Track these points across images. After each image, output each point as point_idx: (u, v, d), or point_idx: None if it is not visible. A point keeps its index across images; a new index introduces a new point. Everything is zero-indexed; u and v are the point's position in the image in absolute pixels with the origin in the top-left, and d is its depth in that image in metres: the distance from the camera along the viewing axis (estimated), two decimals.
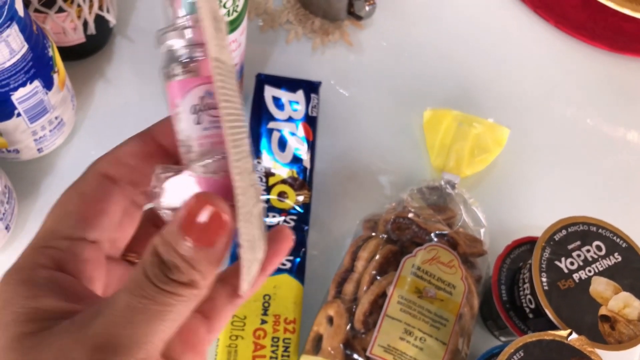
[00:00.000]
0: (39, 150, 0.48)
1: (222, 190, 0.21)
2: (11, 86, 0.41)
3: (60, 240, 0.23)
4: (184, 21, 0.23)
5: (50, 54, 0.44)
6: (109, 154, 0.26)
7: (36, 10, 0.47)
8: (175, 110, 0.23)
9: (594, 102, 0.62)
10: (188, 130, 0.22)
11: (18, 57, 0.40)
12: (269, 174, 0.50)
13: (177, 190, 0.21)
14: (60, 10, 0.47)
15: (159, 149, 0.25)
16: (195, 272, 0.19)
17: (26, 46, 0.40)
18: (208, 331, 0.24)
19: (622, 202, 0.57)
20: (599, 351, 0.37)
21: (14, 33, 0.38)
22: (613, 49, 0.66)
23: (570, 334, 0.37)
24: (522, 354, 0.36)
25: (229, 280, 0.24)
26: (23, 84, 0.41)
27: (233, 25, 0.42)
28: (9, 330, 0.20)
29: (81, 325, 0.19)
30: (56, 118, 0.47)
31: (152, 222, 0.27)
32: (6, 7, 0.36)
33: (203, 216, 0.19)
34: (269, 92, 0.53)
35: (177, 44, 0.23)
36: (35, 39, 0.41)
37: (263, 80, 0.54)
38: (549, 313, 0.39)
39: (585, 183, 0.57)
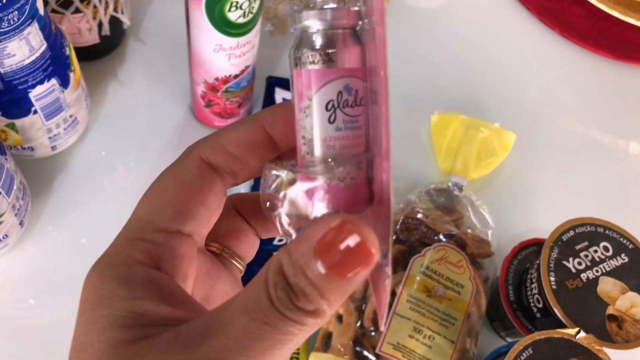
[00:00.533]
0: (53, 148, 0.49)
1: (345, 201, 0.19)
2: (29, 83, 0.41)
3: (156, 233, 0.20)
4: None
5: (67, 53, 0.44)
6: (211, 138, 0.22)
7: (53, 11, 0.47)
8: (304, 103, 0.19)
9: (598, 109, 0.63)
10: (317, 128, 0.19)
11: (37, 55, 0.40)
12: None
13: (300, 197, 0.19)
14: (77, 10, 0.48)
15: (266, 140, 0.22)
16: (323, 302, 0.17)
17: (45, 44, 0.41)
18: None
19: (627, 205, 0.58)
20: (607, 350, 0.37)
21: (34, 31, 0.39)
22: (617, 57, 0.67)
23: (578, 332, 0.37)
24: (530, 351, 0.37)
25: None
26: (41, 82, 0.42)
27: (248, 26, 0.43)
28: (106, 335, 0.18)
29: (188, 343, 0.17)
30: (71, 116, 0.48)
31: (231, 204, 0.25)
32: (28, 5, 0.37)
33: (346, 244, 0.16)
34: (280, 94, 0.54)
35: (316, 25, 0.19)
36: (53, 38, 0.42)
37: (274, 82, 0.55)
38: (558, 312, 0.39)
39: (589, 188, 0.58)
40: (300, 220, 0.19)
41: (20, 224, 0.45)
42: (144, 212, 0.21)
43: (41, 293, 0.47)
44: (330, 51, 0.19)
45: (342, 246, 0.16)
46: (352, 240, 0.16)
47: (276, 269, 0.17)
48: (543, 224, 0.48)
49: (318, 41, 0.19)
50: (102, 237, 0.48)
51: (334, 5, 0.19)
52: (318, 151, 0.19)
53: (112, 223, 0.49)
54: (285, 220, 0.19)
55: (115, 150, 0.53)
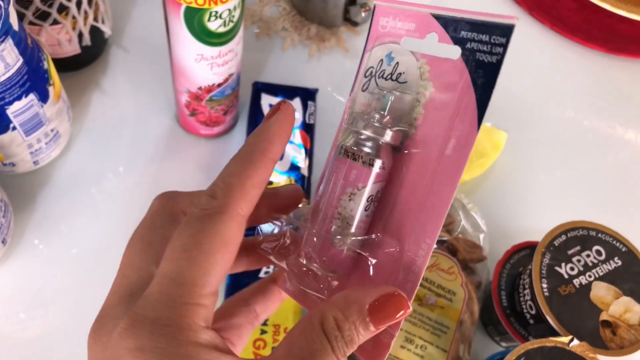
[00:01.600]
0: (35, 162, 0.48)
1: (348, 265, 0.25)
2: (6, 100, 0.40)
3: (209, 297, 0.21)
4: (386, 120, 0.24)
5: (46, 66, 0.43)
6: (240, 189, 0.22)
7: (31, 23, 0.46)
8: (352, 190, 0.24)
9: (591, 104, 0.63)
10: (358, 212, 0.24)
11: (13, 71, 0.39)
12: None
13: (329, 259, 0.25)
14: (55, 22, 0.47)
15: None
16: (354, 348, 0.21)
17: (21, 60, 0.40)
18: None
19: (622, 203, 0.57)
20: (601, 357, 0.37)
21: (8, 47, 0.38)
22: (609, 50, 0.66)
23: (571, 340, 0.37)
24: None
25: (251, 304, 0.27)
26: (18, 98, 0.41)
27: (229, 35, 0.42)
28: None
29: None
30: (52, 130, 0.47)
31: None
32: (0, 21, 0.36)
33: (394, 311, 0.21)
34: (266, 100, 0.53)
35: (384, 138, 0.24)
36: (30, 52, 0.41)
37: (260, 88, 0.54)
38: (550, 319, 0.39)
39: (584, 185, 0.57)
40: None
41: (3, 242, 0.45)
42: (195, 275, 0.20)
43: (32, 306, 0.47)
44: (384, 161, 0.24)
45: (396, 313, 0.22)
46: (400, 311, 0.22)
47: (334, 325, 0.21)
48: (537, 226, 0.47)
49: (375, 149, 0.24)
50: (94, 246, 0.48)
51: (398, 129, 0.24)
52: (353, 228, 0.24)
53: (103, 232, 0.49)
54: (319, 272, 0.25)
55: (102, 160, 0.52)
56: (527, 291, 0.42)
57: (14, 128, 0.43)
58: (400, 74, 0.25)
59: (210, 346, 0.20)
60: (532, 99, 0.62)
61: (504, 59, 0.22)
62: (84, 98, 0.54)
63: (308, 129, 0.53)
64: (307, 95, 0.54)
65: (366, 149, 0.24)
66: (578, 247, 0.41)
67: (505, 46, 0.22)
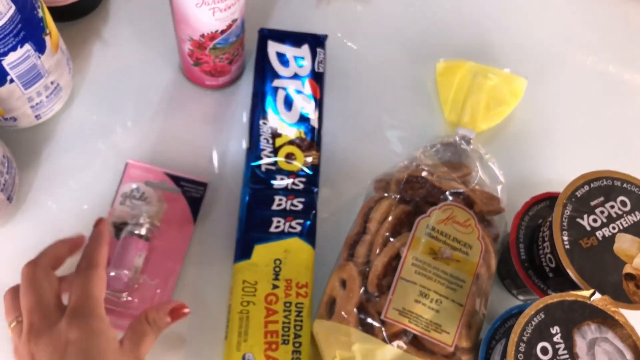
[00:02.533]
0: (37, 117, 0.46)
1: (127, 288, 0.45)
2: (0, 51, 0.39)
3: None
4: None
5: (40, 15, 0.41)
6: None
7: None
8: (139, 253, 0.46)
9: (615, 49, 0.59)
10: (138, 263, 0.45)
11: (5, 19, 0.37)
12: (275, 135, 0.48)
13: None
14: None
15: None
16: (157, 325, 0.39)
17: (13, 7, 0.38)
18: None
19: None
20: (624, 311, 0.36)
21: None
22: None
23: (593, 294, 0.35)
24: (542, 316, 0.35)
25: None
26: (13, 48, 0.39)
27: None
28: None
29: None
30: (52, 83, 0.45)
31: None
32: None
33: (181, 312, 0.40)
34: (273, 47, 0.51)
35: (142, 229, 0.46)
36: None
37: (266, 35, 0.51)
38: (571, 273, 0.37)
39: (607, 134, 0.55)
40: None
41: (9, 199, 0.44)
42: None
43: None
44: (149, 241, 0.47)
45: (183, 313, 0.40)
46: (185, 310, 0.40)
47: (151, 318, 0.39)
48: (558, 176, 0.45)
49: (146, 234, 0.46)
50: (106, 199, 0.47)
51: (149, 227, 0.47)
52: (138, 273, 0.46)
53: (112, 187, 0.47)
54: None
55: (107, 113, 0.51)
56: (546, 244, 0.40)
57: (12, 80, 0.41)
58: (145, 196, 0.47)
59: None
60: (553, 44, 0.58)
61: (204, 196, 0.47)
62: (84, 49, 0.52)
63: (317, 77, 0.50)
64: (316, 42, 0.52)
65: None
66: (602, 198, 0.39)
67: (205, 189, 0.48)
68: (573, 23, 0.60)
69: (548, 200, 0.45)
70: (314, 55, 0.51)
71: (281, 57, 0.50)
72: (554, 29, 0.59)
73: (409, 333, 0.40)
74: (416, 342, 0.40)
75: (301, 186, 0.47)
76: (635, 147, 0.54)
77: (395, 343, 0.39)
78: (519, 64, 0.54)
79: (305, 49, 0.51)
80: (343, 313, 0.41)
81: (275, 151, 0.47)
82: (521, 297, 0.46)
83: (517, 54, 0.57)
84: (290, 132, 0.48)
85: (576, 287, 0.37)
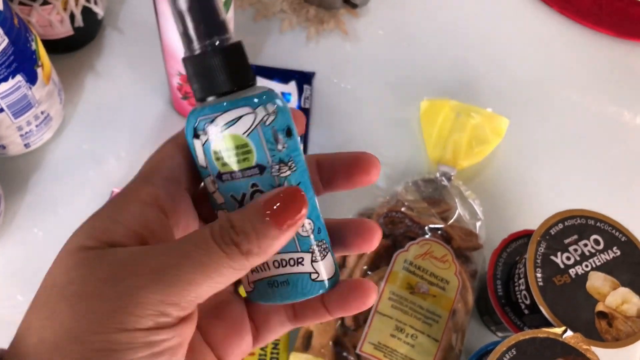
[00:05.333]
0: (26, 145, 0.47)
1: None
2: None
3: (161, 180, 0.23)
4: None
5: (34, 47, 0.43)
6: None
7: (21, 3, 0.46)
8: None
9: (598, 90, 0.61)
10: None
11: None
12: None
13: None
14: (46, 2, 0.46)
15: None
16: (256, 245, 0.21)
17: (6, 40, 0.39)
18: (255, 340, 0.26)
19: (626, 192, 0.55)
20: (596, 349, 0.36)
21: None
22: (619, 34, 0.64)
23: (565, 331, 0.36)
24: (514, 353, 0.35)
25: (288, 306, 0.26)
26: (5, 79, 0.41)
27: None
28: (71, 240, 0.22)
29: (134, 254, 0.21)
30: (42, 113, 0.46)
31: None
32: None
33: (285, 196, 0.22)
34: (261, 83, 0.52)
35: None
36: (16, 32, 0.40)
37: (255, 72, 0.53)
38: (544, 310, 0.37)
39: (587, 174, 0.56)
40: None
41: None
42: (150, 163, 0.24)
43: (29, 289, 0.46)
44: None
45: (282, 195, 0.22)
46: (294, 200, 0.22)
47: (225, 217, 0.21)
48: (537, 215, 0.46)
49: None
50: None
51: None
52: None
53: None
54: None
55: (96, 144, 0.52)
56: (522, 280, 0.41)
57: (2, 110, 0.42)
58: None
59: (130, 213, 0.23)
60: (537, 84, 0.60)
61: None
62: (77, 81, 0.54)
63: (303, 113, 0.52)
64: (303, 78, 0.53)
65: None
66: (575, 236, 0.40)
67: None
68: (558, 63, 0.62)
69: (525, 237, 0.45)
70: (300, 91, 0.52)
71: None
72: (538, 70, 0.61)
73: None
74: None
75: None
76: (615, 188, 0.55)
77: None
78: (501, 104, 0.56)
79: (292, 85, 0.52)
80: (319, 346, 0.41)
81: None
82: (499, 334, 0.46)
83: (500, 94, 0.58)
84: None
85: (549, 324, 0.38)
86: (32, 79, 0.43)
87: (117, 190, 0.48)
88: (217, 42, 0.23)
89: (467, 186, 0.50)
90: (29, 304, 0.43)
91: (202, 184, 0.25)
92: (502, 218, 0.51)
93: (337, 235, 0.26)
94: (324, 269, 0.24)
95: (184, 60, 0.23)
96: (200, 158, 0.23)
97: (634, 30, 0.64)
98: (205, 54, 0.23)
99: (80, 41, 0.54)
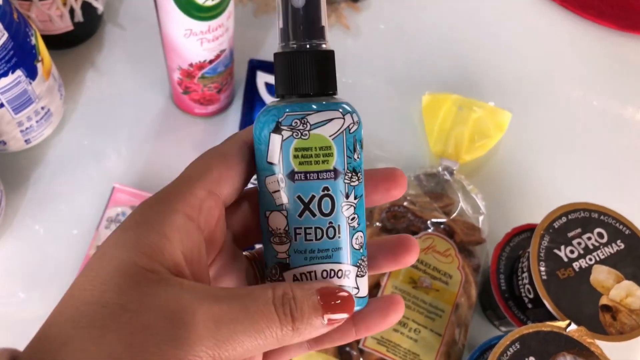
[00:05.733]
0: (27, 141, 0.47)
1: None
2: None
3: (200, 190, 0.23)
4: None
5: (33, 42, 0.42)
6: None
7: None
8: None
9: (600, 83, 0.60)
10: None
11: None
12: None
13: None
14: None
15: None
16: (306, 324, 0.21)
17: (6, 34, 0.39)
18: None
19: (630, 186, 0.55)
20: (600, 342, 0.36)
21: None
22: (621, 27, 0.63)
23: (569, 324, 0.35)
24: (518, 346, 0.35)
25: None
26: (4, 74, 0.40)
27: (218, 9, 0.41)
28: (124, 253, 0.20)
29: (193, 291, 0.20)
30: (42, 108, 0.46)
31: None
32: None
33: (341, 295, 0.22)
34: (262, 78, 0.52)
35: None
36: (15, 27, 0.40)
37: (255, 66, 0.53)
38: (547, 303, 0.37)
39: (589, 167, 0.55)
40: None
41: None
42: (193, 173, 0.23)
43: (31, 286, 0.46)
44: None
45: (340, 295, 0.22)
46: (344, 296, 0.22)
47: (287, 287, 0.22)
48: (540, 208, 0.45)
49: None
50: (92, 223, 0.47)
51: None
52: None
53: (101, 209, 0.48)
54: None
55: (97, 139, 0.52)
56: (525, 274, 0.40)
57: (2, 105, 0.42)
58: None
59: (175, 227, 0.21)
60: (539, 78, 0.60)
61: None
62: (78, 76, 0.54)
63: None
64: None
65: None
66: (579, 230, 0.40)
67: None
68: (560, 57, 0.61)
69: (529, 231, 0.45)
70: None
71: (270, 88, 0.52)
72: (540, 63, 0.60)
73: None
74: None
75: None
76: (617, 181, 0.55)
77: None
78: (503, 98, 0.55)
79: None
80: None
81: None
82: (503, 328, 0.46)
83: (502, 88, 0.58)
84: None
85: (553, 318, 0.37)
86: (32, 74, 0.43)
87: (118, 185, 0.48)
88: (316, 45, 0.23)
89: (469, 180, 0.49)
90: (30, 301, 0.42)
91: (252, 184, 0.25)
92: (504, 212, 0.51)
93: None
94: (364, 286, 0.24)
95: (280, 54, 0.24)
96: (274, 154, 0.23)
97: (635, 23, 0.64)
98: (306, 53, 0.23)
99: (80, 36, 0.53)
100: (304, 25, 0.23)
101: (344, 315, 0.22)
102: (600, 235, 0.39)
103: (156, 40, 0.51)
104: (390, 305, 0.25)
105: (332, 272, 0.23)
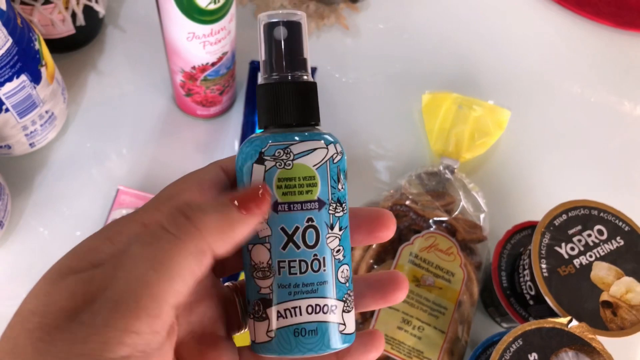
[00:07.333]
0: (31, 145, 0.47)
1: None
2: None
3: (162, 205, 0.23)
4: None
5: (37, 47, 0.43)
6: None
7: (22, 3, 0.46)
8: None
9: (598, 81, 0.61)
10: None
11: (2, 51, 0.39)
12: None
13: None
14: (47, 1, 0.47)
15: None
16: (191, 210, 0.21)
17: (10, 40, 0.39)
18: None
19: (629, 182, 0.56)
20: (601, 338, 0.36)
21: None
22: (618, 25, 0.64)
23: (570, 321, 0.36)
24: (520, 343, 0.36)
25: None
26: (9, 79, 0.41)
27: (220, 12, 0.41)
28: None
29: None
30: (46, 112, 0.46)
31: None
32: None
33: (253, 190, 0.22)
34: None
35: None
36: (19, 32, 0.40)
37: (257, 67, 0.53)
38: (549, 300, 0.38)
39: (589, 164, 0.56)
40: None
41: (0, 224, 0.44)
42: (163, 194, 0.23)
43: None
44: None
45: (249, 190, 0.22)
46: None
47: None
48: (540, 206, 0.46)
49: None
50: (97, 226, 0.47)
51: None
52: None
53: (106, 211, 0.48)
54: None
55: (100, 142, 0.52)
56: (526, 272, 0.41)
57: (7, 110, 0.42)
58: None
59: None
60: (538, 76, 0.60)
61: None
62: (80, 79, 0.54)
63: None
64: None
65: None
66: (579, 227, 0.40)
67: None
68: (558, 55, 0.62)
69: (530, 228, 0.46)
70: None
71: None
72: (538, 62, 0.61)
73: None
74: None
75: None
76: (617, 177, 0.56)
77: None
78: (503, 96, 0.56)
79: None
80: None
81: None
82: (505, 325, 0.47)
83: (501, 86, 0.59)
84: None
85: (555, 315, 0.38)
86: (36, 79, 0.43)
87: (122, 188, 0.48)
88: (297, 77, 0.23)
89: (470, 178, 0.50)
90: None
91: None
92: (505, 210, 0.51)
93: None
94: (351, 321, 0.23)
95: (263, 86, 0.24)
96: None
97: (632, 20, 0.64)
98: (288, 84, 0.23)
99: (82, 40, 0.54)
100: (286, 57, 0.23)
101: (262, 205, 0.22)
102: (600, 232, 0.40)
103: (157, 42, 0.51)
104: (372, 341, 0.25)
105: (318, 307, 0.23)
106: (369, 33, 0.60)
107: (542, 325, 0.36)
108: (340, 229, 0.23)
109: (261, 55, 0.24)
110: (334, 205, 0.23)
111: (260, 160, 0.23)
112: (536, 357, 0.35)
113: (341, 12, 0.60)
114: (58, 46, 0.51)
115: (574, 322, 0.36)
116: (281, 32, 0.23)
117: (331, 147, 0.23)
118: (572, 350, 0.35)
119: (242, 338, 0.26)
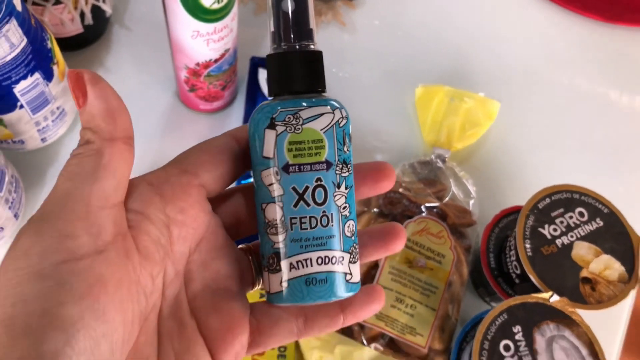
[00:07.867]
0: (43, 140, 0.50)
1: None
2: (13, 79, 0.43)
3: (170, 168, 0.26)
4: None
5: (49, 46, 0.45)
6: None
7: (34, 3, 0.48)
8: None
9: (586, 74, 0.63)
10: None
11: (18, 50, 0.41)
12: None
13: None
14: (57, 2, 0.49)
15: None
16: (87, 131, 0.24)
17: (25, 40, 0.42)
18: (255, 345, 0.27)
19: (615, 169, 0.58)
20: (580, 311, 0.39)
21: (12, 28, 0.40)
22: (606, 19, 0.66)
23: (552, 295, 0.39)
24: (505, 316, 0.38)
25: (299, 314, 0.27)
26: (24, 77, 0.43)
27: (224, 11, 0.43)
28: None
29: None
30: (58, 108, 0.49)
31: None
32: (4, 2, 0.38)
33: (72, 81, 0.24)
34: (263, 74, 0.55)
35: None
36: (33, 32, 0.43)
37: (257, 63, 0.56)
38: (532, 277, 0.40)
39: (574, 153, 0.59)
40: None
41: (15, 216, 0.47)
42: (179, 157, 0.27)
43: None
44: None
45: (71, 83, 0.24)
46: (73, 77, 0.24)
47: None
48: (526, 192, 0.49)
49: None
50: None
51: None
52: None
53: None
54: None
55: None
56: (512, 252, 0.44)
57: (22, 106, 0.45)
58: None
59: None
60: (527, 69, 0.63)
61: None
62: None
63: None
64: None
65: None
66: (561, 209, 0.43)
67: None
68: (547, 48, 0.64)
69: (516, 213, 0.48)
70: None
71: None
72: (527, 55, 0.63)
73: (386, 336, 0.43)
74: (392, 345, 0.43)
75: None
76: (603, 165, 0.58)
77: (373, 345, 0.42)
78: (493, 88, 0.58)
79: None
80: None
81: None
82: (493, 304, 0.49)
83: (491, 79, 0.61)
84: None
85: (539, 291, 0.41)
86: (48, 76, 0.46)
87: None
88: (304, 46, 0.25)
89: (460, 167, 0.53)
90: None
91: (251, 179, 0.26)
92: (493, 196, 0.54)
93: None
94: (357, 271, 0.26)
95: (272, 56, 0.25)
96: (269, 148, 0.25)
97: (618, 13, 0.67)
98: (296, 53, 0.25)
99: (90, 38, 0.56)
100: (294, 28, 0.25)
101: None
102: (581, 214, 0.42)
103: (161, 39, 0.54)
104: (373, 294, 0.28)
105: (327, 259, 0.25)
106: (365, 29, 0.63)
107: (525, 300, 0.39)
108: (346, 188, 0.25)
109: (270, 27, 0.26)
110: (340, 166, 0.25)
111: (272, 126, 0.24)
112: (520, 330, 0.38)
113: (338, 9, 0.63)
114: (67, 45, 0.53)
115: (556, 297, 0.39)
116: (289, 4, 0.25)
117: (337, 112, 0.25)
118: (553, 323, 0.38)
119: (253, 296, 0.28)
